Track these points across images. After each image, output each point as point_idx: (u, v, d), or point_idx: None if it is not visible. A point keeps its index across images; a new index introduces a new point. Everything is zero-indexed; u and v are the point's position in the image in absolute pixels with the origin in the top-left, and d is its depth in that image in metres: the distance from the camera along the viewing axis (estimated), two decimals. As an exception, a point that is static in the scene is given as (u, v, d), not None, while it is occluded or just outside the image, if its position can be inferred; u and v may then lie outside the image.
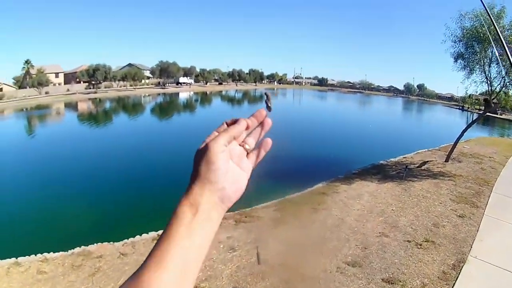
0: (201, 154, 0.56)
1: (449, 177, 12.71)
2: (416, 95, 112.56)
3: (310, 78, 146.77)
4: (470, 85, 14.18)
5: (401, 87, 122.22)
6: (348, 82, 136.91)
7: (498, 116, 54.41)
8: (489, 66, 13.00)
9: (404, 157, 17.05)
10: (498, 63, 11.87)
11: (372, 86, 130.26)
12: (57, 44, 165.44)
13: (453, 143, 15.72)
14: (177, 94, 70.69)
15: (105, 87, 67.19)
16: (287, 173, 13.41)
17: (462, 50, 13.58)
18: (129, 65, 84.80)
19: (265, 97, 0.68)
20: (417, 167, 14.92)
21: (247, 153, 0.64)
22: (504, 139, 31.71)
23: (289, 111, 44.55)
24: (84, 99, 54.51)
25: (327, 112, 49.19)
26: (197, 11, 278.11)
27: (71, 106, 48.43)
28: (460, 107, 74.12)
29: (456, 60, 14.04)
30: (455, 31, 13.32)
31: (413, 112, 66.41)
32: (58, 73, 69.13)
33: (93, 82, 61.69)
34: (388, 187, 10.81)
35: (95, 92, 60.30)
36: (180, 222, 0.52)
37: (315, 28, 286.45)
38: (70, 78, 68.28)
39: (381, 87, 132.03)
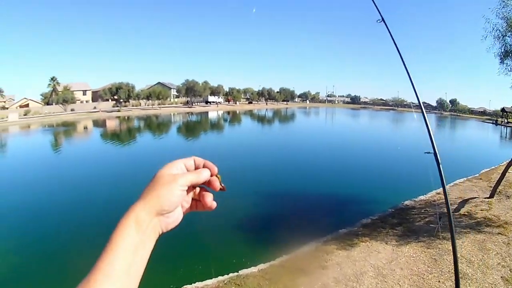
0: (165, 181, 0.61)
1: (498, 227, 9.30)
2: (449, 111, 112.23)
3: (343, 96, 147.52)
4: None
5: (433, 103, 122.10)
6: (381, 99, 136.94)
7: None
8: None
9: (437, 193, 13.44)
10: None
11: (405, 103, 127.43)
12: (92, 62, 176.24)
13: (498, 170, 12.09)
14: (206, 113, 69.63)
15: (133, 106, 67.68)
16: (266, 223, 10.33)
17: (510, 46, 10.20)
18: (159, 83, 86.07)
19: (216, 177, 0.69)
20: (454, 210, 11.41)
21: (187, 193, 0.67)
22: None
23: (310, 133, 41.48)
24: (108, 117, 54.37)
25: (353, 133, 45.03)
26: (229, 30, 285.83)
27: (98, 124, 48.11)
28: (494, 122, 68.46)
29: (502, 60, 10.59)
30: (497, 25, 10.01)
31: (447, 128, 60.46)
32: (85, 90, 71.22)
33: (120, 101, 62.18)
34: (410, 254, 7.39)
35: (119, 111, 60.50)
36: (125, 236, 0.57)
37: (347, 45, 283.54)
38: (97, 96, 69.93)
39: (413, 103, 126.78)
